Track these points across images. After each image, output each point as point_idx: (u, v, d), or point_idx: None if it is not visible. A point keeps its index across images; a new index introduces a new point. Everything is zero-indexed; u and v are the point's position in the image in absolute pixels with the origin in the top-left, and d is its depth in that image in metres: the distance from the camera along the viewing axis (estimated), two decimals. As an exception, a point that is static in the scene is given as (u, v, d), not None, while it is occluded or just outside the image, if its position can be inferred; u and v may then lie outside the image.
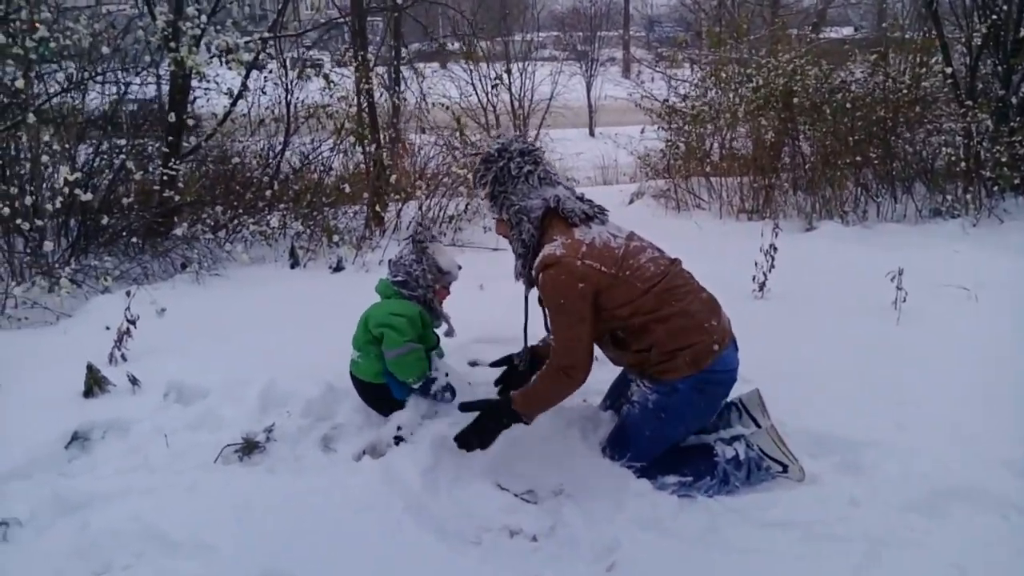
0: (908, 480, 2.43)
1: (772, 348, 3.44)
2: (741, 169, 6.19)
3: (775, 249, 4.04)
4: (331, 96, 5.77)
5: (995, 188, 5.36)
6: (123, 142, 5.21)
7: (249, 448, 2.74)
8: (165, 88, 5.63)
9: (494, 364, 2.99)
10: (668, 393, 2.42)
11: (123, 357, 3.41)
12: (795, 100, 5.69)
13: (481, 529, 2.30)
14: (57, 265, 4.18)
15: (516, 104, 8.72)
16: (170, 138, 4.91)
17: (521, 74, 8.98)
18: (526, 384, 2.51)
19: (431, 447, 2.62)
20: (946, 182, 5.53)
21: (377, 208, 5.23)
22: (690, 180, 6.50)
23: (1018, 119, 5.39)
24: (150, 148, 5.35)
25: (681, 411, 2.46)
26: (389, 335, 2.73)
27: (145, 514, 2.35)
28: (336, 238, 4.76)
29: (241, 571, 2.14)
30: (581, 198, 2.53)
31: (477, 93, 7.64)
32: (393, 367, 2.77)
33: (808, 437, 2.68)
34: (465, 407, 2.56)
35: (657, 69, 8.88)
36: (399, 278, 2.86)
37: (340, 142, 5.62)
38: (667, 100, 6.97)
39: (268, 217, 4.82)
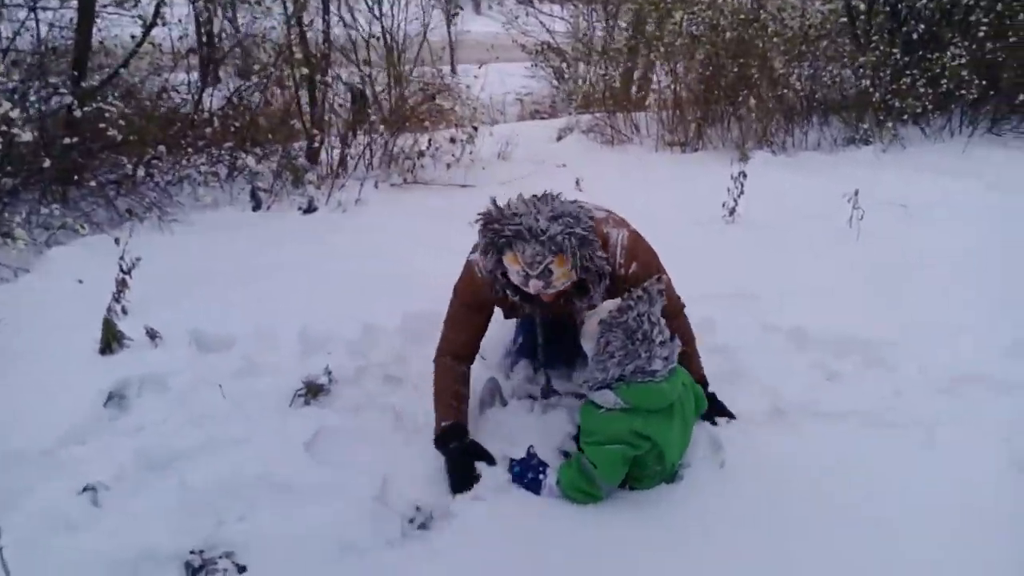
0: (928, 371, 2.80)
1: (759, 266, 3.76)
2: (672, 104, 6.41)
3: (745, 176, 4.32)
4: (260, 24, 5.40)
5: (903, 117, 5.92)
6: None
7: (314, 391, 2.70)
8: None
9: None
10: None
11: (123, 310, 3.17)
12: (726, 35, 5.95)
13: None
14: (6, 215, 3.74)
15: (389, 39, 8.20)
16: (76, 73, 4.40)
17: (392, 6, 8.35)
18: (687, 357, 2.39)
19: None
20: (858, 112, 6.05)
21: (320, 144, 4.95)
22: (615, 115, 6.67)
23: (918, 52, 5.94)
24: (57, 84, 4.81)
25: None
26: None
27: (245, 463, 2.29)
28: (308, 176, 4.52)
29: (367, 503, 2.18)
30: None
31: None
32: None
33: (828, 339, 3.00)
34: None
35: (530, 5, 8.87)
36: None
37: (273, 74, 5.28)
38: (587, 37, 7.05)
39: (221, 155, 4.48)
